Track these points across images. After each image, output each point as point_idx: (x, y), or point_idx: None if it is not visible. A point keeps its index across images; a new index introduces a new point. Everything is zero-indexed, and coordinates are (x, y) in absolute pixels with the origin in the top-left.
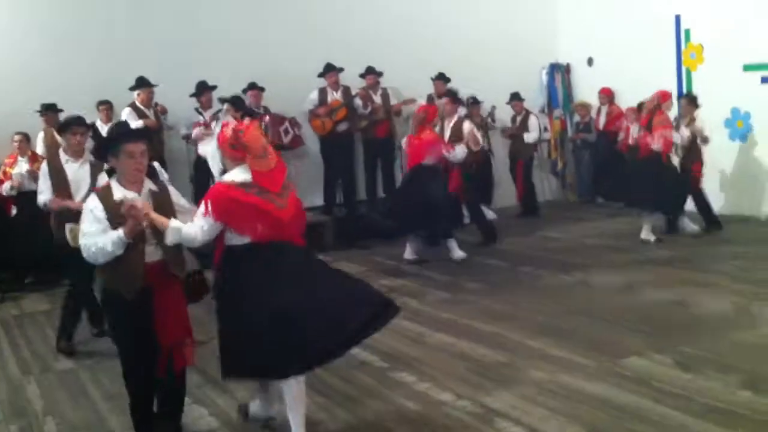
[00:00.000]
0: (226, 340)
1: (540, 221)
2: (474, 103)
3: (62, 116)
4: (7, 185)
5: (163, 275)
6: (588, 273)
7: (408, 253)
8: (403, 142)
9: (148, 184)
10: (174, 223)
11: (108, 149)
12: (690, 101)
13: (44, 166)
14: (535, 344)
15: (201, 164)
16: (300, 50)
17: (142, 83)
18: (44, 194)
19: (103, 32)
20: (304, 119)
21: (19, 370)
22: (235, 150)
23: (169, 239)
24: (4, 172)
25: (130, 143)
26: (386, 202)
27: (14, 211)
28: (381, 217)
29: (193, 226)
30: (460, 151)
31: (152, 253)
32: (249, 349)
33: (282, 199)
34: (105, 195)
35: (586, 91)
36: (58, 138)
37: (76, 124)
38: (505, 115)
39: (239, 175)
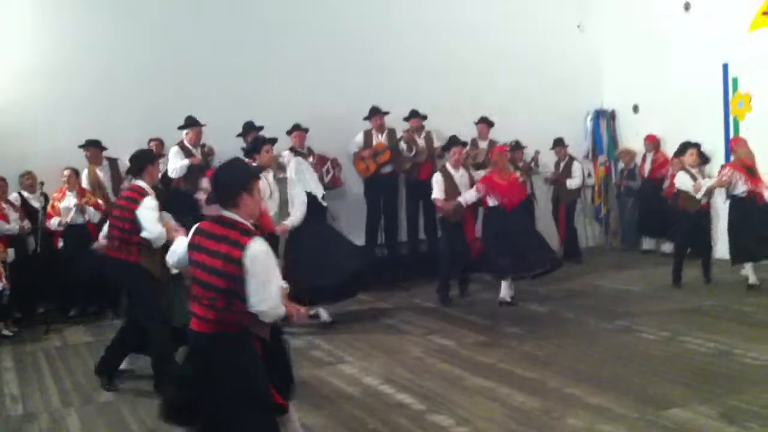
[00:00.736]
0: None
1: (582, 267)
2: (517, 147)
3: (106, 154)
4: (55, 221)
5: None
6: (631, 321)
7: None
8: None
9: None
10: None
11: None
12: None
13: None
14: (575, 392)
15: None
16: (345, 93)
17: (191, 123)
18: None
19: (153, 72)
20: (348, 161)
21: (60, 402)
22: None
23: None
24: (53, 206)
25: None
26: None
27: (61, 244)
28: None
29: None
30: (467, 196)
31: None
32: None
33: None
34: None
35: (631, 138)
36: (100, 174)
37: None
38: (548, 159)
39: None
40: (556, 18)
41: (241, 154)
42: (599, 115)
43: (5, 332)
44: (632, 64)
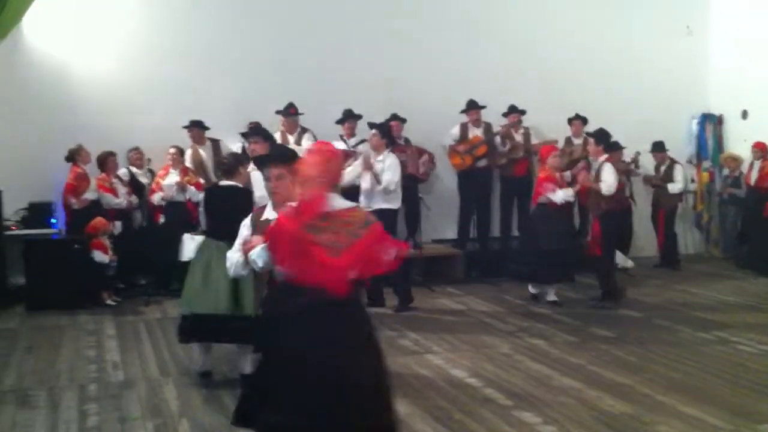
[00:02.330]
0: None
1: (679, 274)
2: (616, 147)
3: (209, 134)
4: (158, 195)
5: None
6: (728, 332)
7: (550, 295)
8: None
9: None
10: (252, 253)
11: (260, 169)
12: None
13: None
14: (667, 400)
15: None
16: (443, 86)
17: (288, 112)
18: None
19: (253, 56)
20: (443, 153)
21: (158, 371)
22: None
23: (255, 267)
24: (157, 183)
25: (269, 167)
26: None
27: (162, 220)
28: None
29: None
30: (561, 194)
31: None
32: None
33: (331, 244)
34: (257, 214)
35: (738, 144)
36: (202, 153)
37: (253, 134)
38: (649, 162)
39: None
40: (664, 20)
41: (338, 142)
42: (705, 119)
43: (109, 302)
44: (742, 68)
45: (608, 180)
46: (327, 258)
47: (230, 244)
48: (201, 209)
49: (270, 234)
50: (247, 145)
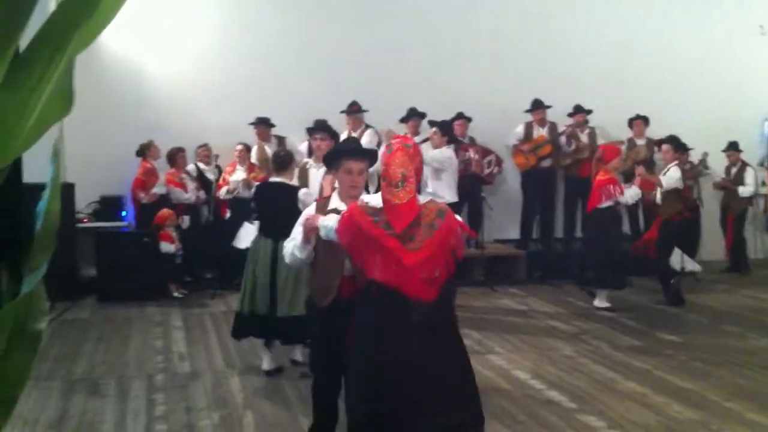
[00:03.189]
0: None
1: (748, 279)
2: (683, 149)
3: (274, 131)
4: (224, 190)
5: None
6: None
7: (598, 301)
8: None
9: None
10: (322, 221)
11: (330, 162)
12: None
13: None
14: (734, 406)
15: None
16: (508, 85)
17: (351, 110)
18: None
19: (315, 56)
20: (506, 153)
21: (224, 363)
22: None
23: (321, 234)
24: (224, 179)
25: (350, 160)
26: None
27: (228, 215)
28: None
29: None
30: (630, 194)
31: (348, 269)
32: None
33: (411, 240)
34: (322, 204)
35: None
36: (268, 150)
37: (319, 130)
38: (716, 164)
39: (378, 198)
40: (736, 20)
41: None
42: None
43: (176, 294)
44: None
45: (669, 178)
46: (407, 254)
47: (276, 243)
48: (252, 204)
49: (345, 227)
50: (311, 141)
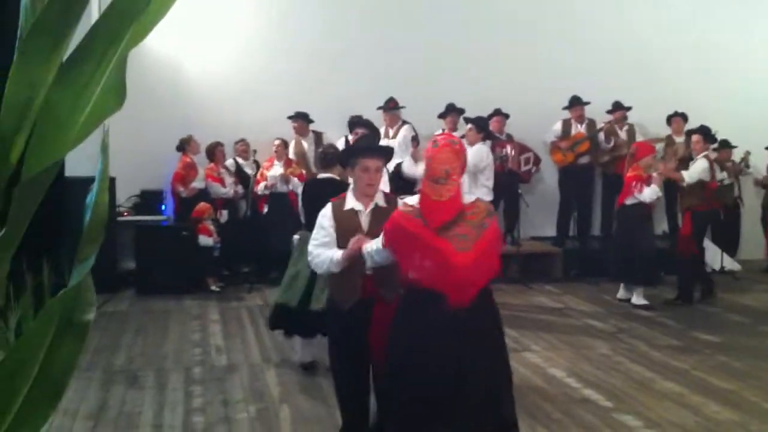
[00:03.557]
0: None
1: None
2: (725, 146)
3: (312, 127)
4: (262, 185)
5: (383, 291)
6: None
7: (636, 298)
8: None
9: (378, 200)
10: (367, 247)
11: (347, 160)
12: None
13: None
14: None
15: None
16: (546, 81)
17: (388, 106)
18: None
19: (354, 52)
20: (544, 150)
21: (260, 357)
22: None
23: (368, 264)
24: (262, 174)
25: (367, 158)
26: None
27: (266, 210)
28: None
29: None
30: (648, 192)
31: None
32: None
33: (460, 240)
34: (338, 204)
35: None
36: (305, 145)
37: (360, 124)
38: (759, 162)
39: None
40: None
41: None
42: None
43: (213, 288)
44: None
45: (693, 170)
46: (457, 255)
47: None
48: (300, 202)
49: (390, 233)
50: (351, 136)
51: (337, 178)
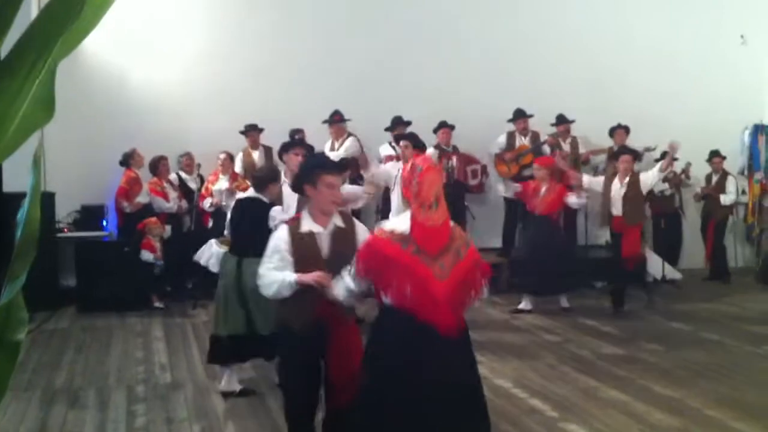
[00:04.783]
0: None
1: (729, 287)
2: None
3: (263, 136)
4: (207, 202)
5: (339, 310)
6: None
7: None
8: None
9: (335, 219)
10: (337, 288)
11: (306, 178)
12: None
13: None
14: (716, 414)
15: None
16: (491, 94)
17: (333, 119)
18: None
19: (301, 64)
20: (490, 161)
21: (205, 374)
22: (407, 190)
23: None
24: (206, 188)
25: (332, 174)
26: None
27: (210, 224)
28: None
29: (339, 285)
30: (573, 200)
31: None
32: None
33: (441, 268)
34: (294, 227)
35: None
36: (255, 157)
37: (295, 144)
38: (699, 173)
39: (403, 223)
40: (717, 29)
41: (387, 149)
42: (758, 129)
43: (157, 304)
44: None
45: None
46: (435, 283)
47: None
48: (228, 222)
49: (366, 260)
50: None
51: (265, 200)
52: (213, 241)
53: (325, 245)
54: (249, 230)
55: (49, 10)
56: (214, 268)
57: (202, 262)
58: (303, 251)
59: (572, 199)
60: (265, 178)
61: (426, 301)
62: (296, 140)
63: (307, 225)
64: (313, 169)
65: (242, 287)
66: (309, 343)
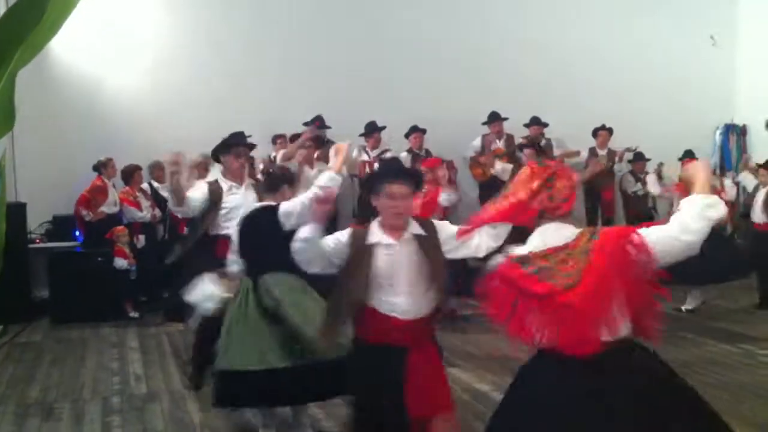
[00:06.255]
0: None
1: (701, 287)
2: (639, 158)
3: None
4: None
5: (420, 333)
6: (754, 344)
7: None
8: None
9: (412, 228)
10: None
11: (371, 187)
12: None
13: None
14: None
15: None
16: (466, 97)
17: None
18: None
19: (277, 70)
20: (464, 164)
21: (181, 384)
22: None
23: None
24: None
25: (392, 183)
26: None
27: (186, 231)
28: None
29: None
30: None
31: (406, 311)
32: None
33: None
34: (358, 233)
35: (765, 155)
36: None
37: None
38: (673, 173)
39: (536, 240)
40: (689, 31)
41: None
42: (729, 129)
43: (132, 314)
44: None
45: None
46: (568, 294)
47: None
48: (237, 243)
49: (497, 289)
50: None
51: (275, 204)
52: (208, 276)
53: (403, 257)
54: (263, 243)
55: (7, 18)
56: (207, 312)
57: (192, 300)
58: (357, 262)
59: (443, 196)
60: (281, 177)
61: (562, 319)
62: (237, 139)
63: (377, 236)
64: (378, 178)
65: (264, 308)
66: (382, 376)
